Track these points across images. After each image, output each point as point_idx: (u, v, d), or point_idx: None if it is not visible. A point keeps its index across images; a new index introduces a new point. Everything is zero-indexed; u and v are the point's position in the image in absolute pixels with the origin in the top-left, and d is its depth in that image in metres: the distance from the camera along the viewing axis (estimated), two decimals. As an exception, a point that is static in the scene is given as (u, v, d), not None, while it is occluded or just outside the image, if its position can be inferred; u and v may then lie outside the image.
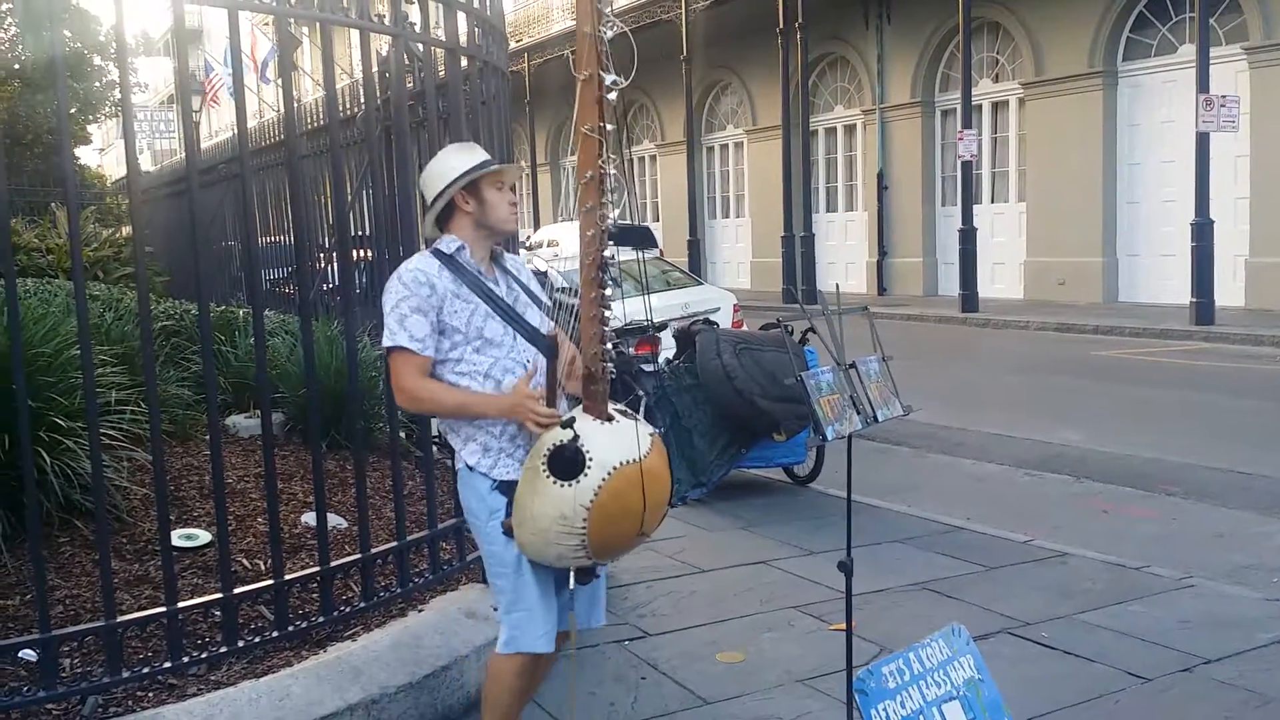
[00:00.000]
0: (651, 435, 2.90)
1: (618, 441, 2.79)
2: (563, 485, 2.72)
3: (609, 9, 2.76)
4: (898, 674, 2.80)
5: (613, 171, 2.78)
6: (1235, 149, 14.56)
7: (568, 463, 2.72)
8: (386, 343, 2.90)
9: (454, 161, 3.02)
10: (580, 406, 2.87)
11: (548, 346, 2.86)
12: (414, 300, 2.88)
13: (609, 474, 2.73)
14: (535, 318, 3.05)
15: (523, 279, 3.15)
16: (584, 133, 2.73)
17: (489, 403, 2.91)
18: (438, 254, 2.97)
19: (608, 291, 2.85)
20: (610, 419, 2.85)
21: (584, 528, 2.73)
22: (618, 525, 2.82)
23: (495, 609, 3.06)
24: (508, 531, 2.85)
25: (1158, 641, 4.26)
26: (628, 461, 2.77)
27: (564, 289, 3.28)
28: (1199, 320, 13.52)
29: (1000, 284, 18.45)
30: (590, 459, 2.72)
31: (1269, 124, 14.40)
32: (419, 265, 2.94)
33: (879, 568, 5.16)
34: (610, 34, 2.73)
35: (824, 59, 21.72)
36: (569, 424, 2.76)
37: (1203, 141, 13.48)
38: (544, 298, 3.15)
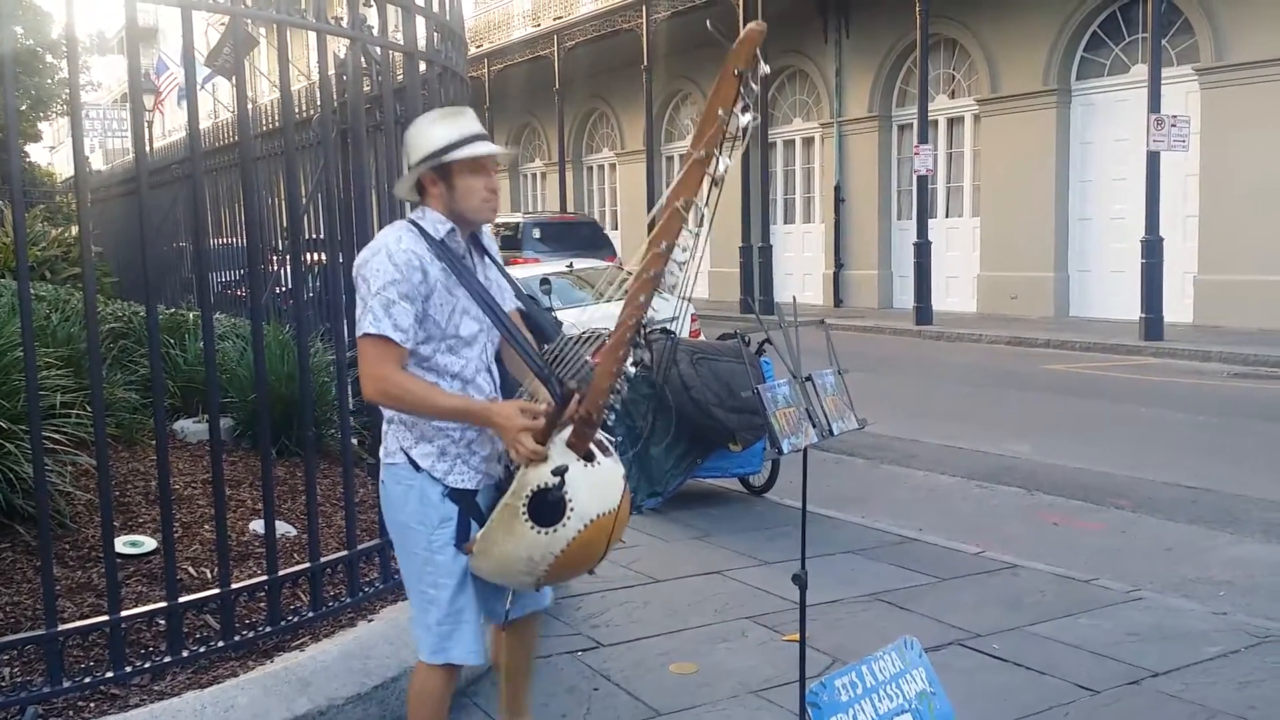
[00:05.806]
0: (623, 478, 2.81)
1: (598, 490, 2.70)
2: (540, 531, 2.64)
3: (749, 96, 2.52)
4: (850, 687, 2.80)
5: (684, 249, 2.60)
6: (1185, 168, 14.81)
7: (550, 510, 2.63)
8: (368, 329, 2.62)
9: (434, 133, 2.73)
10: (564, 437, 2.72)
11: (562, 395, 2.66)
12: (405, 285, 2.62)
13: (586, 525, 2.65)
14: (508, 303, 2.93)
15: (496, 257, 2.95)
16: (676, 207, 2.54)
17: (484, 412, 2.70)
18: (426, 236, 2.70)
19: (635, 353, 2.71)
20: (591, 458, 2.73)
21: (546, 570, 2.70)
22: (576, 567, 2.81)
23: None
24: (466, 554, 2.78)
25: (1106, 654, 4.30)
26: (605, 513, 2.69)
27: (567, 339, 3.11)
28: (1148, 336, 13.71)
29: (954, 297, 18.62)
30: (571, 508, 2.64)
31: (1218, 144, 14.66)
32: (412, 247, 2.65)
33: (832, 578, 5.17)
34: (745, 120, 2.52)
35: (783, 72, 21.84)
36: (561, 471, 2.64)
37: (1153, 160, 13.70)
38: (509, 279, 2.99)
